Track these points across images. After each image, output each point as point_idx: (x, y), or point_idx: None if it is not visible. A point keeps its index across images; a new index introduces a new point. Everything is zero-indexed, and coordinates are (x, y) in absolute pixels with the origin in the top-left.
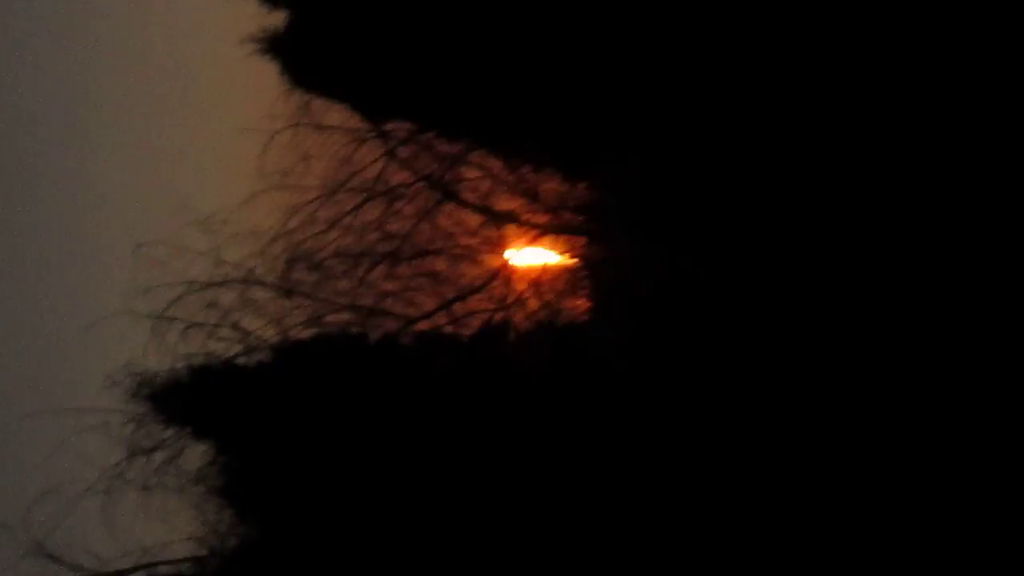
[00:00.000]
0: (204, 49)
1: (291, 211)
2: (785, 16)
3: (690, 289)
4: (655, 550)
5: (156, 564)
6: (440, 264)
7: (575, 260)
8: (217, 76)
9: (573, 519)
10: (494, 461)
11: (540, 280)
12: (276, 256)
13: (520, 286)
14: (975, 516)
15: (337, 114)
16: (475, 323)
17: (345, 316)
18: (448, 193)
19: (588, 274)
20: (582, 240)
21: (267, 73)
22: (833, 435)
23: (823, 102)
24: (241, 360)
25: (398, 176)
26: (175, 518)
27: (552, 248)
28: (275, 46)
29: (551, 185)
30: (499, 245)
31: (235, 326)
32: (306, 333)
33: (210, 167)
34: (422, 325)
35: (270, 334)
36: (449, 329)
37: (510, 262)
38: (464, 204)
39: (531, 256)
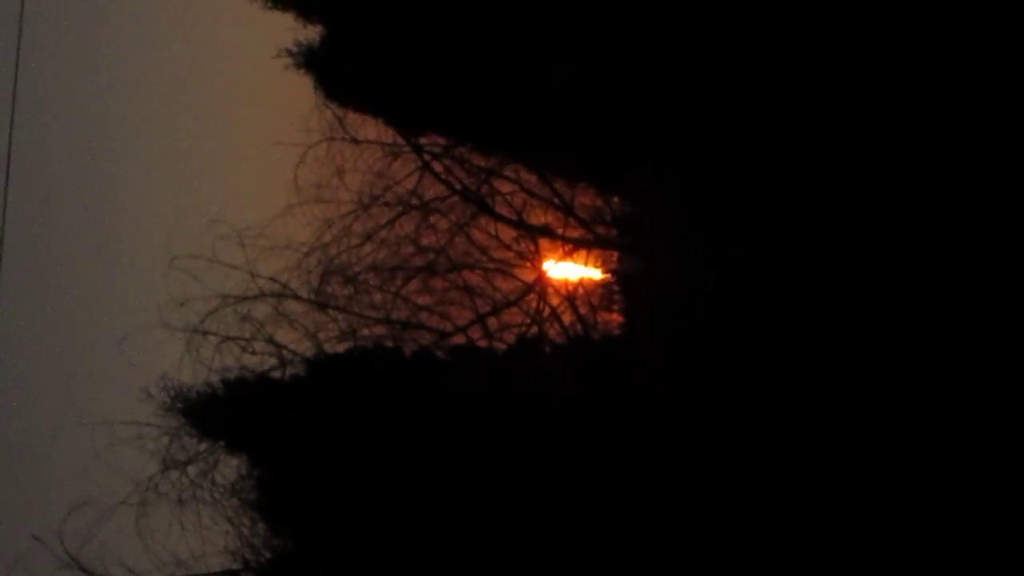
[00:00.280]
0: (239, 63)
1: (326, 225)
2: (813, 27)
3: (724, 303)
4: (691, 564)
5: None
6: (474, 278)
7: (609, 274)
8: (252, 90)
9: (610, 533)
10: (529, 475)
11: (574, 294)
12: (310, 270)
13: (554, 300)
14: (984, 522)
15: (371, 128)
16: (509, 337)
17: (379, 330)
18: (482, 207)
19: (622, 288)
20: (616, 254)
21: (302, 87)
22: (869, 448)
23: (858, 113)
24: (275, 373)
25: (433, 190)
26: (209, 531)
27: (586, 262)
28: (310, 60)
29: (585, 199)
30: (533, 259)
31: (269, 340)
32: (340, 347)
33: (245, 180)
34: (456, 339)
35: (304, 348)
36: (483, 343)
37: (544, 276)
38: (498, 218)
39: (565, 270)
